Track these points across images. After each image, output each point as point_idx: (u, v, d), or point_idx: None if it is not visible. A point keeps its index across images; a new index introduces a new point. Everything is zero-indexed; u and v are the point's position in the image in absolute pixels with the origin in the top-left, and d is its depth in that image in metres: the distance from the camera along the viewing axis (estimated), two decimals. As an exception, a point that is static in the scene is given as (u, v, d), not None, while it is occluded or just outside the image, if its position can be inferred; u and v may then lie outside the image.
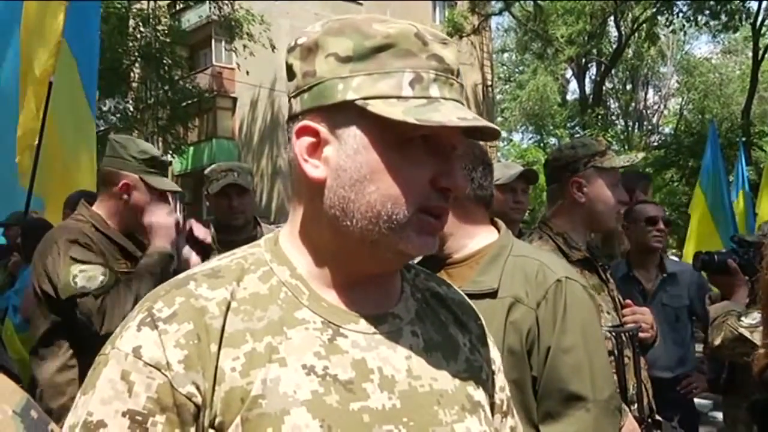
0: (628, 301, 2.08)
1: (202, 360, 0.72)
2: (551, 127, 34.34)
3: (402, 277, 0.90)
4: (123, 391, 0.71)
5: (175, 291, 0.77)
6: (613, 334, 1.90)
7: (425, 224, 0.79)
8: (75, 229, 2.19)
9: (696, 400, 3.46)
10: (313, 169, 0.79)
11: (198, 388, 0.72)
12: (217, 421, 0.72)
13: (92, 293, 2.01)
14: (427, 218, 0.79)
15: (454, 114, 0.74)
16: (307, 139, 0.79)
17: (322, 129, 0.78)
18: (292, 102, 0.81)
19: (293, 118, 0.81)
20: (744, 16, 20.58)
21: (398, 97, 0.75)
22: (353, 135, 0.77)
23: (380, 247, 0.79)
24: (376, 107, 0.74)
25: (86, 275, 2.03)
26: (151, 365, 0.71)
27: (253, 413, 0.71)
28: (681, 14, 20.72)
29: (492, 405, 0.93)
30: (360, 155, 0.77)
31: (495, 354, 0.98)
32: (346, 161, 0.77)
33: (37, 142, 3.50)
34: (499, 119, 34.57)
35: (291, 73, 0.81)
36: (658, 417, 2.01)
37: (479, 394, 0.87)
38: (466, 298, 1.00)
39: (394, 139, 0.76)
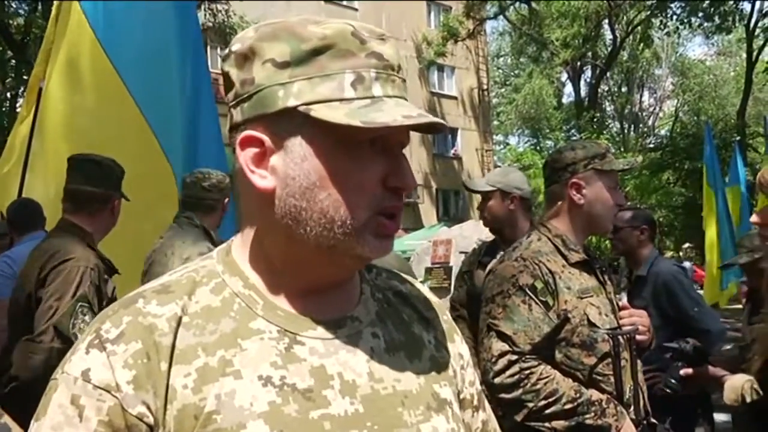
0: (625, 303, 2.08)
1: (152, 379, 0.71)
2: (547, 130, 34.42)
3: (361, 279, 0.89)
4: (73, 415, 0.70)
5: (122, 310, 0.75)
6: (611, 336, 1.90)
7: (381, 226, 0.77)
8: (93, 261, 2.27)
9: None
10: (261, 179, 0.77)
11: (149, 408, 0.70)
12: None
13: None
14: (383, 220, 0.77)
15: (398, 112, 0.73)
16: (252, 150, 0.77)
17: (266, 138, 0.76)
18: (233, 111, 0.79)
19: (235, 128, 0.79)
20: (737, 17, 20.68)
21: (341, 100, 0.73)
22: (299, 142, 0.75)
23: (337, 253, 0.77)
24: (319, 112, 0.72)
25: (83, 329, 2.07)
26: (100, 388, 0.70)
27: (207, 429, 0.70)
28: (675, 17, 20.83)
29: (462, 400, 0.92)
30: (307, 162, 0.75)
31: (463, 349, 0.96)
32: (294, 169, 0.75)
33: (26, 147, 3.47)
34: (495, 123, 34.62)
35: (229, 82, 0.79)
36: (653, 420, 2.00)
37: (446, 392, 0.86)
38: (431, 294, 0.98)
39: (341, 143, 0.74)
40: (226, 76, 0.79)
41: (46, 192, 3.47)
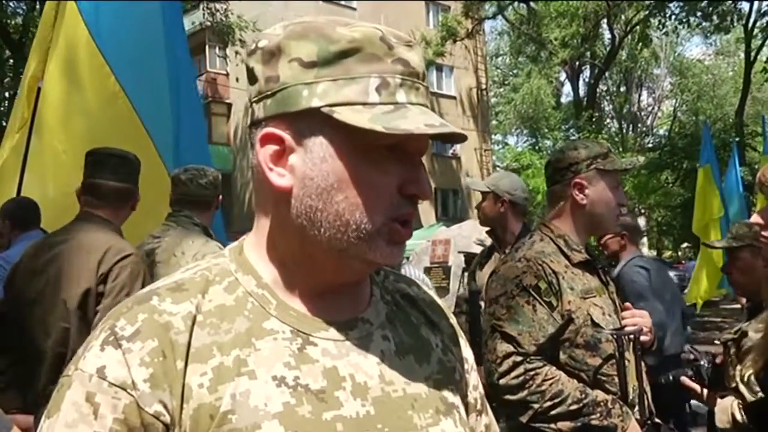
0: (627, 304, 2.07)
1: (168, 377, 0.71)
2: (546, 130, 34.41)
3: (371, 281, 0.89)
4: (88, 413, 0.69)
5: (137, 307, 0.74)
6: (615, 336, 1.89)
7: (395, 234, 0.77)
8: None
9: (694, 402, 3.47)
10: (279, 177, 0.76)
11: (165, 406, 0.70)
12: None
13: None
14: (397, 227, 0.77)
15: (421, 120, 0.73)
16: (272, 147, 0.76)
17: (287, 136, 0.76)
18: (255, 107, 0.79)
19: (256, 123, 0.78)
20: (736, 17, 20.70)
21: (364, 104, 0.73)
22: (319, 143, 0.75)
23: (348, 256, 0.77)
24: (342, 115, 0.72)
25: None
26: (116, 385, 0.69)
27: (223, 429, 0.70)
28: (674, 16, 20.83)
29: (467, 404, 0.93)
30: (327, 163, 0.74)
31: (468, 353, 0.97)
32: (312, 170, 0.75)
33: (24, 146, 3.45)
34: (494, 122, 34.63)
35: (252, 77, 0.79)
36: (657, 420, 2.00)
37: (453, 396, 0.87)
38: (436, 297, 0.98)
39: (362, 147, 0.74)
40: (250, 71, 0.79)
41: (43, 191, 3.46)
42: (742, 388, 2.18)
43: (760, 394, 2.10)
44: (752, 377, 2.15)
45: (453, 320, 0.98)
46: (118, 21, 3.61)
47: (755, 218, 1.90)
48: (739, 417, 2.15)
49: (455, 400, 0.87)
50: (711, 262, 8.07)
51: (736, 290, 2.77)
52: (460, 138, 0.77)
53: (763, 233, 1.87)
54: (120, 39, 3.59)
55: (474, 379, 0.97)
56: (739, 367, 2.26)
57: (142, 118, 3.58)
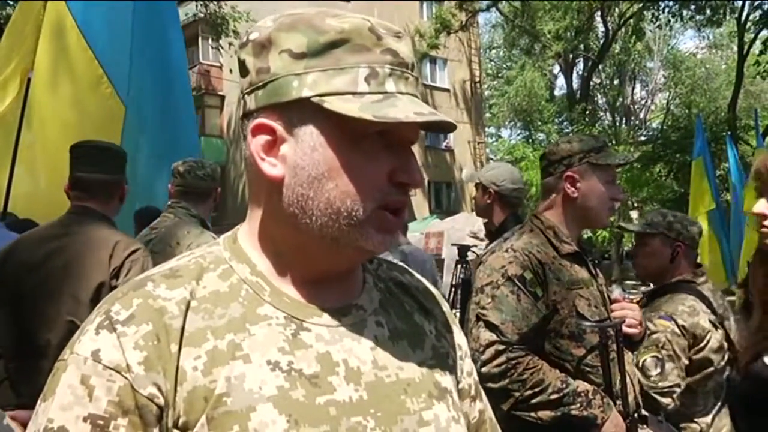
0: (617, 296, 2.09)
1: (162, 360, 0.72)
2: (539, 123, 34.43)
3: (364, 268, 0.91)
4: (83, 395, 0.70)
5: (132, 293, 0.76)
6: (596, 329, 1.91)
7: (385, 221, 0.79)
8: None
9: None
10: (271, 167, 0.78)
11: (159, 388, 0.71)
12: (180, 421, 0.71)
13: None
14: (386, 215, 0.79)
15: (410, 109, 0.74)
16: (264, 137, 0.78)
17: (278, 127, 0.77)
18: (246, 99, 0.80)
19: (248, 115, 0.80)
20: (728, 10, 20.73)
21: (354, 93, 0.75)
22: (310, 132, 0.76)
23: (340, 244, 0.79)
24: (332, 104, 0.74)
25: None
26: (110, 368, 0.71)
27: (218, 411, 0.71)
28: (667, 9, 20.86)
29: (460, 390, 0.94)
30: (317, 152, 0.76)
31: (461, 339, 0.99)
32: (303, 159, 0.77)
33: (15, 137, 3.44)
34: (488, 115, 34.61)
35: (244, 69, 0.81)
36: (644, 412, 2.02)
37: (446, 381, 0.89)
38: (429, 285, 1.00)
39: (351, 136, 0.76)
40: (242, 63, 0.81)
41: (35, 183, 3.47)
42: (637, 373, 2.26)
43: (653, 378, 2.21)
44: (645, 362, 2.30)
45: (446, 307, 1.00)
46: (109, 18, 3.62)
47: (760, 208, 1.89)
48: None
49: (448, 385, 0.89)
50: (715, 253, 7.98)
51: (638, 274, 2.85)
52: (450, 126, 0.78)
53: (764, 223, 1.88)
54: (111, 35, 3.60)
55: (468, 365, 0.98)
56: (636, 353, 2.32)
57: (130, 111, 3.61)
